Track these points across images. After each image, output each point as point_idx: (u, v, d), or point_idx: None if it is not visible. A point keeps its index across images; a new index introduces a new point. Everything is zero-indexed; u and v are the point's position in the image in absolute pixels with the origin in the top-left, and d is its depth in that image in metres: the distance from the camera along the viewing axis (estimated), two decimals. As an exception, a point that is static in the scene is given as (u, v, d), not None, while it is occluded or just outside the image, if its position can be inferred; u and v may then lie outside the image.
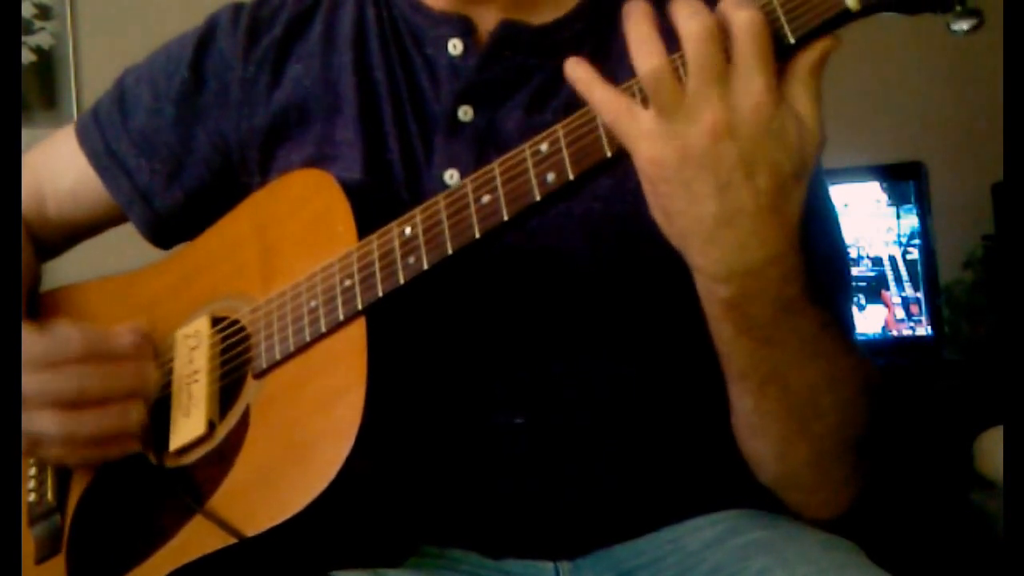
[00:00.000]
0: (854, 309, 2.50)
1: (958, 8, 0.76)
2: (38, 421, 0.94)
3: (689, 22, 0.75)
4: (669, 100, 0.76)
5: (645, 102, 0.78)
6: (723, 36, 0.75)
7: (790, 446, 0.91)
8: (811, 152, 0.77)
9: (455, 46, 1.01)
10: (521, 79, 1.00)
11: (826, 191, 1.02)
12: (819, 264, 0.96)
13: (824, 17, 0.76)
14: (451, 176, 0.98)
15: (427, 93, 1.02)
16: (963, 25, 0.76)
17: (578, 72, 0.81)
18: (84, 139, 1.14)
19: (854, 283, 2.45)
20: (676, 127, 0.76)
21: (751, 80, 0.75)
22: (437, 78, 1.02)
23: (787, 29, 0.76)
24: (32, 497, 1.04)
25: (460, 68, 1.01)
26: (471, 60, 1.01)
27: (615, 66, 0.99)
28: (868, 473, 0.95)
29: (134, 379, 0.96)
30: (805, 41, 0.77)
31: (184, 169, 1.09)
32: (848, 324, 1.01)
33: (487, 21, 1.01)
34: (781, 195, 0.77)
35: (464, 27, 1.01)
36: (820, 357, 0.86)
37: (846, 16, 0.76)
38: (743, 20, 0.75)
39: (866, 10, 0.76)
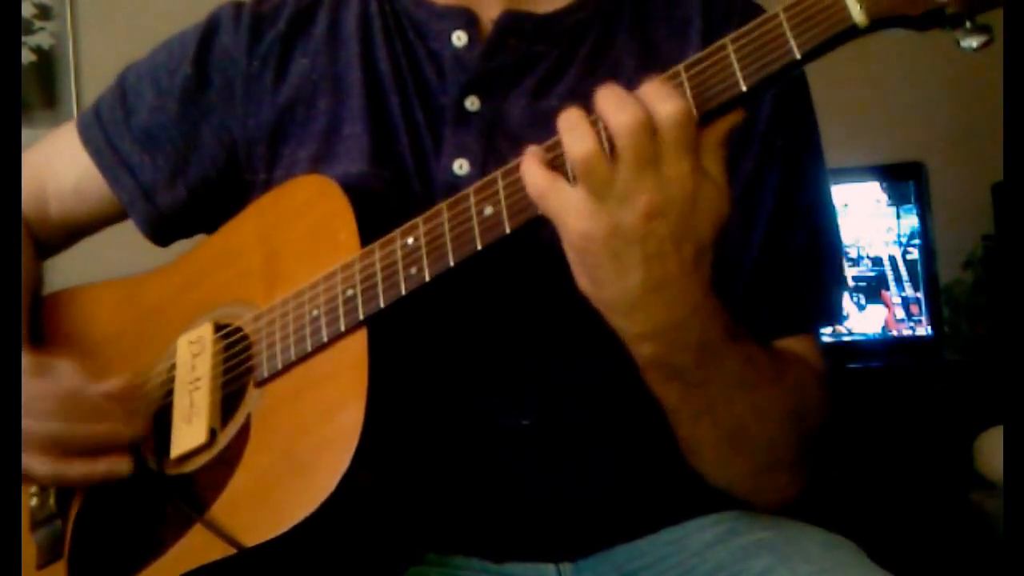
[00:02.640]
0: (854, 309, 2.51)
1: (967, 25, 0.76)
2: (24, 461, 0.95)
3: (619, 115, 0.77)
4: (601, 183, 0.78)
5: (573, 177, 0.80)
6: (652, 124, 0.77)
7: (725, 465, 0.94)
8: (726, 214, 0.81)
9: (459, 38, 1.02)
10: (526, 67, 1.01)
11: (816, 187, 1.03)
12: (798, 259, 0.97)
13: (830, 33, 0.76)
14: (460, 166, 0.98)
15: (433, 85, 1.02)
16: (972, 42, 0.75)
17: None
18: (87, 137, 1.13)
19: (854, 282, 2.46)
20: (607, 206, 0.78)
21: (680, 164, 0.78)
22: (442, 70, 1.02)
23: (794, 44, 0.77)
24: (34, 502, 1.04)
25: (465, 59, 1.01)
26: (476, 51, 1.01)
27: (619, 57, 1.00)
28: (813, 471, 0.97)
29: (109, 438, 0.97)
30: (811, 57, 0.77)
31: (188, 166, 1.09)
32: (831, 316, 1.04)
33: (490, 12, 1.02)
34: (703, 257, 0.81)
35: (467, 19, 1.02)
36: (745, 390, 0.89)
37: (853, 32, 0.76)
38: (672, 112, 0.77)
39: (874, 26, 0.76)
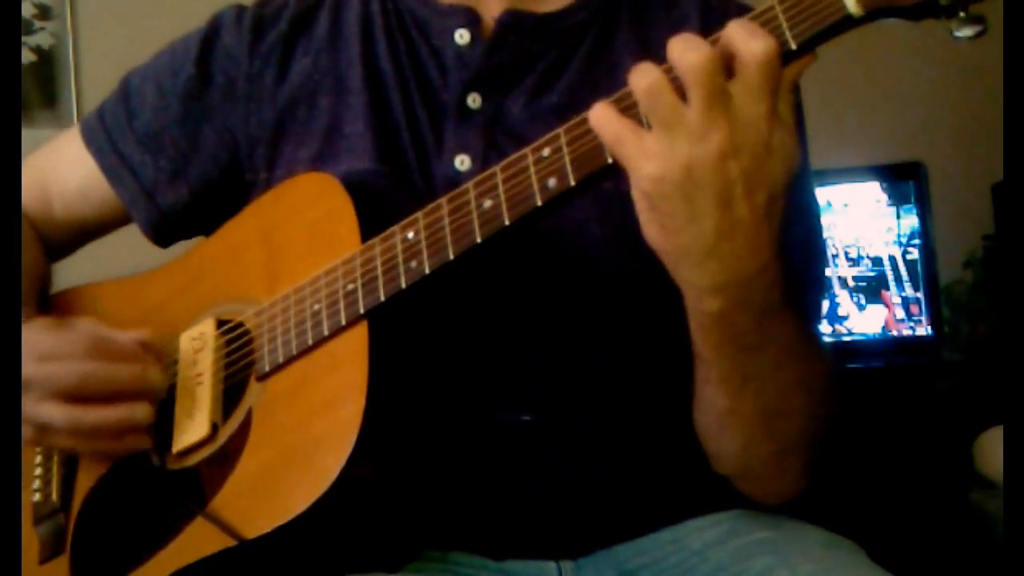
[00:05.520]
0: (854, 309, 2.52)
1: (961, 15, 0.76)
2: (43, 410, 0.95)
3: (687, 56, 0.76)
4: (668, 115, 0.77)
5: (648, 122, 0.78)
6: (724, 62, 0.76)
7: (756, 443, 0.93)
8: (796, 161, 0.80)
9: (462, 36, 1.03)
10: (527, 64, 1.02)
11: (809, 186, 1.03)
12: (793, 256, 0.97)
13: (826, 24, 0.76)
14: (462, 162, 0.99)
15: (435, 82, 1.03)
16: (967, 32, 0.76)
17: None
18: (90, 139, 1.14)
19: (854, 282, 2.46)
20: (681, 146, 0.77)
21: (759, 105, 0.76)
22: (444, 68, 1.03)
23: (789, 35, 0.77)
24: (37, 497, 1.04)
25: (467, 57, 1.02)
26: (478, 49, 1.02)
27: (619, 54, 1.01)
28: (821, 465, 0.97)
29: (135, 380, 0.97)
30: (806, 48, 0.77)
31: (190, 166, 1.10)
32: (815, 316, 1.03)
33: (492, 11, 1.03)
34: (774, 206, 0.80)
35: (470, 17, 1.03)
36: (795, 361, 0.88)
37: (848, 22, 0.76)
38: (758, 50, 0.75)
39: (869, 16, 0.76)
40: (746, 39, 0.76)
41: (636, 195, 0.80)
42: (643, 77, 0.77)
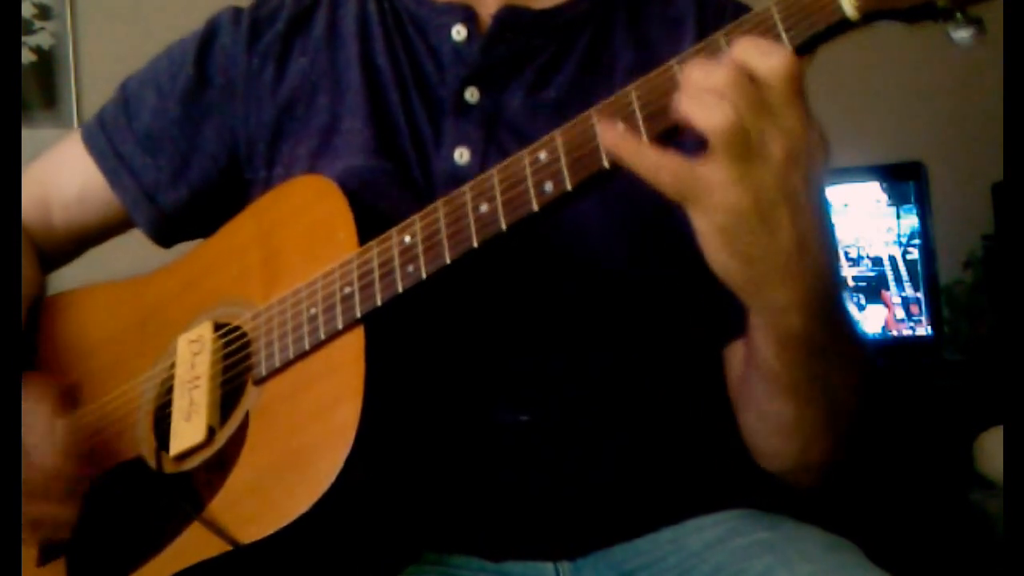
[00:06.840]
0: (854, 309, 2.52)
1: (959, 17, 0.76)
2: None
3: (771, 60, 0.75)
4: (746, 148, 0.75)
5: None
6: (752, 76, 0.75)
7: (814, 444, 0.93)
8: (830, 152, 0.79)
9: (459, 32, 1.03)
10: (525, 59, 1.02)
11: None
12: None
13: (822, 27, 0.76)
14: (461, 155, 0.99)
15: (432, 78, 1.03)
16: (964, 34, 0.76)
17: (613, 139, 0.79)
18: (90, 142, 1.15)
19: (854, 282, 2.46)
20: (750, 170, 0.76)
21: (794, 112, 0.76)
22: (442, 64, 1.04)
23: (785, 38, 0.77)
24: (34, 501, 1.04)
25: (465, 53, 1.03)
26: (475, 45, 1.03)
27: (616, 51, 1.02)
28: (857, 449, 0.97)
29: (35, 518, 0.97)
30: (803, 51, 0.77)
31: (190, 166, 1.10)
32: None
33: (488, 8, 1.04)
34: (825, 205, 0.80)
35: (467, 14, 1.04)
36: (854, 358, 0.88)
37: (845, 26, 0.76)
38: (782, 64, 0.75)
39: (865, 19, 0.76)
40: (763, 57, 0.75)
41: (709, 232, 0.78)
42: (720, 112, 0.74)
